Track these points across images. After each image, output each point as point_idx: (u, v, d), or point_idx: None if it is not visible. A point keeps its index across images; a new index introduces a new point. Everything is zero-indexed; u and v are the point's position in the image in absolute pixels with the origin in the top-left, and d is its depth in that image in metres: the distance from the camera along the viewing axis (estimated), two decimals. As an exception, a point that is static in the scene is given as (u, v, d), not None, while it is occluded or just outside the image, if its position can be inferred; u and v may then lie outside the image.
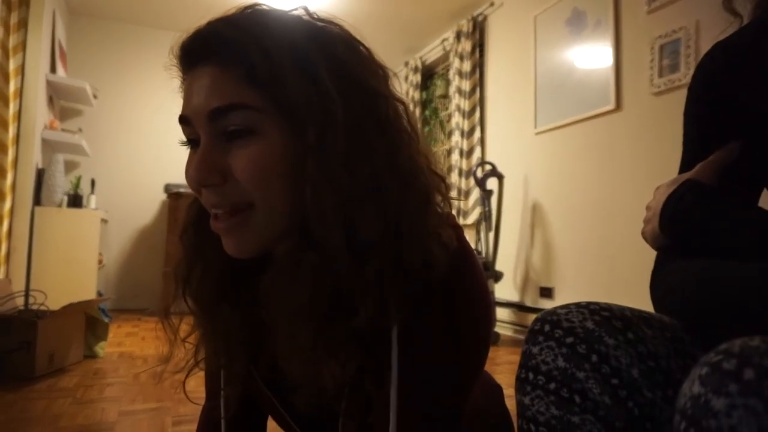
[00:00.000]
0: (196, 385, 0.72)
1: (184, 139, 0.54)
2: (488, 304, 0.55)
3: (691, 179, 0.60)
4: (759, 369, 0.31)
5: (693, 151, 0.66)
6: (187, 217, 0.61)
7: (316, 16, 0.55)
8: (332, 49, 0.51)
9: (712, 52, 0.65)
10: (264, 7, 0.53)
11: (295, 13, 0.54)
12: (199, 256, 0.59)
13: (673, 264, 0.59)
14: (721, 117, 0.63)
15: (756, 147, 0.60)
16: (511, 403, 0.60)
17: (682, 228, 0.58)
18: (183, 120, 0.52)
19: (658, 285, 0.61)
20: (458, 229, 0.55)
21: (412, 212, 0.50)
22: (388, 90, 0.55)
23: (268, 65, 0.48)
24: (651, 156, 2.48)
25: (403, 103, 0.56)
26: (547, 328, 0.52)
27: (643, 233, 0.65)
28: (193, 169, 0.50)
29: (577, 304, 0.52)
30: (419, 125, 4.30)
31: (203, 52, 0.50)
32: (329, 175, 0.47)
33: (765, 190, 0.64)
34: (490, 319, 0.56)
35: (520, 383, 0.52)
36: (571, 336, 0.50)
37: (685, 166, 0.66)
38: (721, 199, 0.56)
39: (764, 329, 0.38)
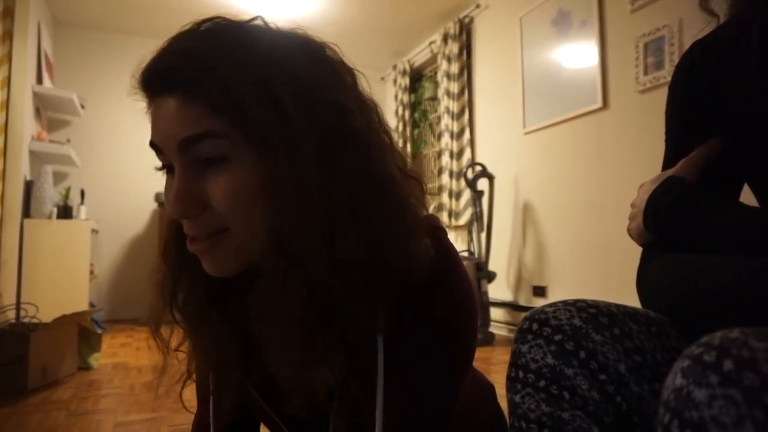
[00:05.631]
0: (192, 394, 0.72)
1: (159, 165, 0.54)
2: (473, 303, 0.55)
3: (674, 176, 0.61)
4: (738, 360, 0.31)
5: (675, 147, 0.67)
6: (168, 234, 0.60)
7: (276, 27, 0.53)
8: (293, 68, 0.49)
9: (690, 50, 0.67)
10: (222, 23, 0.51)
11: (255, 23, 0.52)
12: (183, 273, 0.58)
13: (658, 259, 0.60)
14: (701, 113, 0.64)
15: (735, 142, 0.61)
16: (503, 402, 0.60)
17: (665, 224, 0.59)
18: (154, 146, 0.52)
19: (643, 280, 0.62)
20: (441, 231, 0.55)
21: (392, 220, 0.49)
22: (357, 96, 0.54)
23: (228, 95, 0.46)
24: (639, 153, 2.50)
25: (373, 102, 0.55)
26: (535, 326, 0.52)
27: (628, 230, 0.66)
28: (173, 201, 0.50)
29: (564, 302, 0.53)
30: (408, 128, 4.24)
31: (163, 84, 0.49)
32: (304, 199, 0.47)
33: (746, 184, 0.65)
34: (475, 319, 0.55)
35: (511, 382, 0.53)
36: (559, 333, 0.50)
37: (667, 163, 0.68)
38: (703, 194, 0.57)
39: (746, 321, 0.39)
